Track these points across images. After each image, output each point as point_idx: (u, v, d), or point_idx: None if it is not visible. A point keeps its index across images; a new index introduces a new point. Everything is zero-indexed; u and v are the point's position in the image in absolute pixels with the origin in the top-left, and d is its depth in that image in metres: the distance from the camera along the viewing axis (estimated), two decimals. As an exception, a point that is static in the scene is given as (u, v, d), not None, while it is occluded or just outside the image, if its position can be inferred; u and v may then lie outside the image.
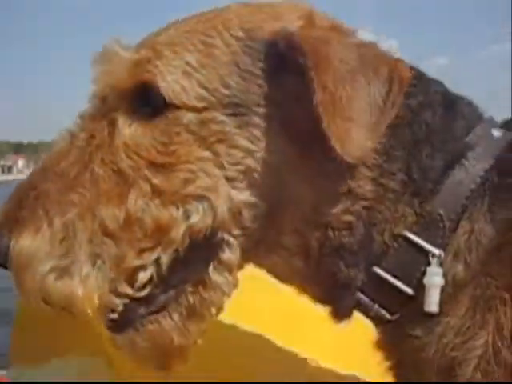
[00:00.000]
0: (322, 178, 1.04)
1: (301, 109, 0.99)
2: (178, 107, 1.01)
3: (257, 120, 1.01)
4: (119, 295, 1.01)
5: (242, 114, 1.01)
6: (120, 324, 1.05)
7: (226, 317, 1.18)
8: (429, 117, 1.08)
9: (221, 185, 1.00)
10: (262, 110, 1.01)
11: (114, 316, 1.04)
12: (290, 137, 1.02)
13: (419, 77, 1.13)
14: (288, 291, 1.17)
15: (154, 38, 1.07)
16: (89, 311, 1.02)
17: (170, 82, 1.00)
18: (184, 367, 1.09)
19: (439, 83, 1.17)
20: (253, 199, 1.02)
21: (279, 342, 1.56)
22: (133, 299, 1.02)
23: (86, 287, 0.97)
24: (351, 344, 1.46)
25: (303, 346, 1.56)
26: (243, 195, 1.01)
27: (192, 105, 1.00)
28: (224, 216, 1.01)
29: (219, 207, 1.00)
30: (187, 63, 1.02)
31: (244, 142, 1.01)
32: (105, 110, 1.06)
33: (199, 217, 1.00)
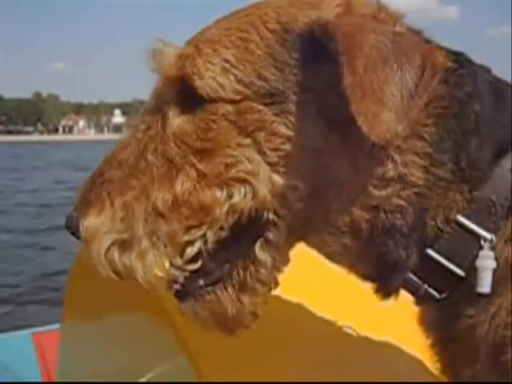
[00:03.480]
0: (367, 162, 1.03)
1: (337, 95, 0.98)
2: (216, 101, 1.04)
3: (294, 107, 1.01)
4: (176, 268, 1.10)
5: (279, 103, 1.02)
6: (182, 294, 1.14)
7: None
8: (477, 107, 1.06)
9: (262, 169, 1.03)
10: (298, 98, 1.01)
11: (177, 287, 1.13)
12: (329, 122, 1.01)
13: (466, 65, 1.09)
14: (335, 269, 1.18)
15: (197, 36, 1.10)
16: (152, 280, 1.08)
17: (208, 80, 1.03)
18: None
19: (487, 70, 1.13)
20: (294, 182, 1.03)
21: (320, 313, 1.57)
22: (192, 272, 1.10)
23: (146, 259, 1.06)
24: (395, 321, 1.45)
25: (344, 318, 1.56)
26: (284, 179, 1.03)
27: (229, 98, 1.03)
28: (266, 198, 1.03)
29: (260, 190, 1.03)
30: (225, 60, 1.04)
31: (282, 129, 1.02)
32: (159, 103, 1.12)
33: (241, 198, 1.04)
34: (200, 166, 1.05)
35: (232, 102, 1.03)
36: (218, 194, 1.04)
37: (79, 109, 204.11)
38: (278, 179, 1.03)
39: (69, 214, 1.12)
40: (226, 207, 1.04)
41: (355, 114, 0.92)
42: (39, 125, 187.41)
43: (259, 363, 1.48)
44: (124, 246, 1.06)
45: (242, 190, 1.04)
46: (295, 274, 1.46)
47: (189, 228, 1.06)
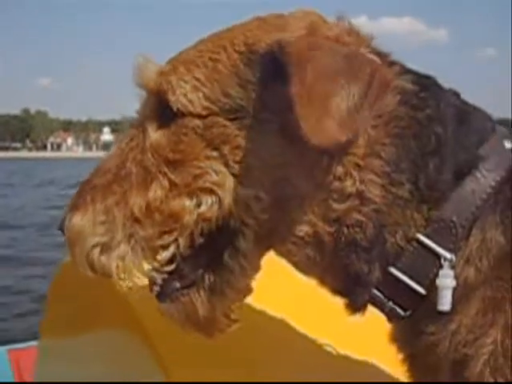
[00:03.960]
0: (325, 177, 1.08)
1: (294, 113, 1.03)
2: (186, 115, 1.12)
3: (255, 123, 1.08)
4: (154, 270, 1.17)
5: (241, 118, 1.09)
6: (161, 295, 1.20)
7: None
8: (439, 130, 1.09)
9: (227, 180, 1.09)
10: (259, 115, 1.08)
11: (156, 288, 1.20)
12: (288, 138, 1.06)
13: (431, 88, 1.13)
14: (307, 281, 1.22)
15: (176, 56, 1.19)
16: (129, 281, 1.16)
17: (179, 96, 1.12)
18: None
19: (454, 94, 1.16)
20: (257, 193, 1.09)
21: (298, 328, 1.59)
22: (170, 274, 1.18)
23: (124, 261, 1.13)
24: (367, 336, 1.48)
25: (320, 334, 1.58)
26: (247, 190, 1.09)
27: (197, 113, 1.11)
28: (230, 207, 1.10)
29: (225, 199, 1.10)
30: (196, 78, 1.12)
31: (244, 143, 1.09)
32: (142, 117, 1.21)
33: (208, 207, 1.11)
34: (171, 176, 1.12)
35: (200, 116, 1.11)
36: (187, 202, 1.11)
37: (68, 126, 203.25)
38: (242, 190, 1.09)
39: (62, 217, 1.21)
40: (194, 215, 1.11)
41: (298, 117, 0.97)
42: (27, 141, 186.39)
43: (236, 375, 1.51)
44: (105, 248, 1.14)
45: (209, 199, 1.11)
46: (276, 288, 1.50)
47: (161, 233, 1.13)
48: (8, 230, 15.67)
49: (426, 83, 1.13)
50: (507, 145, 1.13)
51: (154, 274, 1.18)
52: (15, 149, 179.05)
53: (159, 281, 1.19)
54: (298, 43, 1.04)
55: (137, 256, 1.14)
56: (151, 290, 1.20)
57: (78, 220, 1.16)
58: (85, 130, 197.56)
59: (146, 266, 1.17)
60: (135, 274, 1.15)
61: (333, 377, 1.55)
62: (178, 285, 1.19)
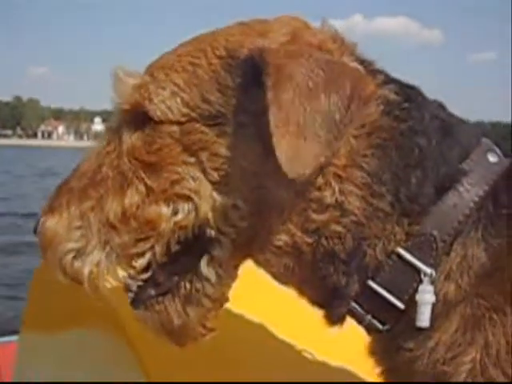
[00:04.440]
0: (304, 187, 1.05)
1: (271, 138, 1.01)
2: (164, 122, 1.09)
3: (234, 130, 1.06)
4: (129, 277, 1.16)
5: (220, 124, 1.06)
6: (135, 302, 1.18)
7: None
8: (422, 142, 1.06)
9: (204, 187, 1.07)
10: (238, 121, 1.05)
11: (131, 294, 1.18)
12: (266, 145, 1.02)
13: (416, 100, 1.10)
14: (286, 291, 1.19)
15: (154, 63, 1.16)
16: (102, 288, 1.13)
17: (157, 103, 1.09)
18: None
19: (439, 106, 1.14)
20: (235, 201, 1.07)
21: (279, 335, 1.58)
22: (144, 281, 1.15)
23: (98, 268, 1.11)
24: (346, 347, 1.47)
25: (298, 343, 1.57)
26: (225, 197, 1.06)
27: (176, 120, 1.08)
28: (207, 215, 1.07)
29: (202, 207, 1.07)
30: (175, 84, 1.09)
31: (223, 150, 1.06)
32: (118, 123, 1.18)
33: (184, 215, 1.08)
34: (148, 181, 1.09)
35: (178, 123, 1.08)
36: (164, 210, 1.08)
37: (59, 114, 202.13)
38: (219, 198, 1.07)
39: (37, 219, 1.18)
40: (171, 223, 1.09)
41: (275, 149, 0.95)
42: (18, 129, 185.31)
43: (215, 377, 1.50)
44: (79, 253, 1.11)
45: (186, 207, 1.08)
46: (257, 294, 1.48)
47: (137, 241, 1.10)
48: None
49: (410, 94, 1.11)
50: (491, 158, 1.10)
51: (129, 280, 1.16)
52: (5, 136, 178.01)
53: (134, 288, 1.17)
54: (277, 53, 1.01)
55: (111, 263, 1.11)
56: (125, 295, 1.18)
57: (52, 224, 1.13)
58: (76, 119, 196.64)
59: (121, 273, 1.15)
60: (109, 280, 1.13)
61: (310, 381, 1.54)
62: (152, 292, 1.16)
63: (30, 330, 1.90)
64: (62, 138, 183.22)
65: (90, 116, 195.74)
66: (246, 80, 1.06)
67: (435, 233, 1.05)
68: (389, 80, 1.10)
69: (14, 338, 3.03)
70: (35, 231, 1.17)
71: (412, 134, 1.07)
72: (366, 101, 0.98)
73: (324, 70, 0.98)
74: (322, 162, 0.96)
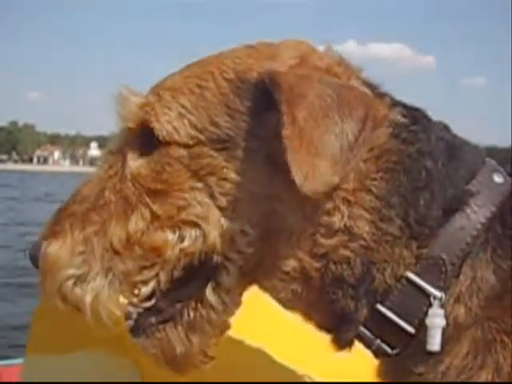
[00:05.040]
0: (313, 211, 1.04)
1: (282, 144, 1.00)
2: (170, 144, 1.07)
3: (243, 154, 1.04)
4: (131, 304, 1.12)
5: (229, 149, 1.05)
6: (135, 330, 1.15)
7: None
8: (429, 164, 1.06)
9: (212, 213, 1.05)
10: (248, 145, 1.04)
11: (131, 323, 1.14)
12: (276, 169, 1.02)
13: (421, 121, 1.10)
14: (291, 316, 1.17)
15: (160, 83, 1.14)
16: (104, 316, 1.09)
17: (164, 123, 1.07)
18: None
19: (444, 127, 1.14)
20: (243, 227, 1.05)
21: (279, 360, 1.56)
22: (145, 309, 1.12)
23: (99, 296, 1.08)
24: (353, 371, 1.46)
25: (303, 368, 1.55)
26: (233, 223, 1.04)
27: (183, 142, 1.06)
28: (215, 242, 1.05)
29: (210, 233, 1.05)
30: (182, 105, 1.07)
31: (232, 174, 1.04)
32: (121, 145, 1.15)
33: (191, 241, 1.06)
34: (153, 207, 1.07)
35: (186, 146, 1.06)
36: (170, 236, 1.06)
37: (55, 140, 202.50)
38: (228, 223, 1.05)
39: (33, 244, 1.14)
40: (177, 250, 1.06)
41: (290, 164, 0.94)
42: (14, 153, 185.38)
43: None
44: (80, 280, 1.08)
45: (193, 233, 1.06)
46: (259, 318, 1.47)
47: (142, 268, 1.08)
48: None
49: (416, 116, 1.10)
50: (497, 179, 1.10)
51: (130, 308, 1.13)
52: (1, 160, 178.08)
53: (134, 315, 1.14)
54: (288, 75, 1.01)
55: (114, 290, 1.08)
56: (124, 323, 1.14)
57: (55, 249, 1.10)
58: (72, 144, 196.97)
59: (123, 301, 1.12)
60: (111, 309, 1.09)
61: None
62: (153, 320, 1.13)
63: (35, 352, 1.88)
64: (58, 162, 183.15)
65: (86, 141, 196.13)
66: (255, 104, 1.05)
67: (444, 255, 1.04)
68: (395, 103, 1.10)
69: (17, 360, 3.01)
70: (32, 256, 1.13)
71: (419, 157, 1.06)
72: (379, 124, 0.98)
73: (336, 93, 0.98)
74: (336, 182, 0.95)
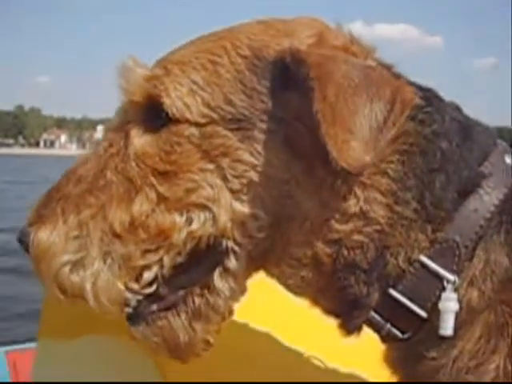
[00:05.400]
0: (329, 195, 1.01)
1: (303, 125, 0.98)
2: (180, 122, 1.01)
3: (260, 135, 1.00)
4: (129, 291, 1.06)
5: (245, 129, 1.00)
6: (134, 317, 1.10)
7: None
8: (444, 146, 1.03)
9: (223, 196, 1.00)
10: (264, 126, 1.00)
11: (129, 310, 1.09)
12: (293, 152, 0.99)
13: (435, 103, 1.08)
14: (296, 301, 1.16)
15: (167, 57, 1.08)
16: (105, 302, 1.05)
17: (175, 99, 1.01)
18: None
19: (456, 108, 1.11)
20: (256, 211, 1.01)
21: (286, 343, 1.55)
22: (145, 296, 1.07)
23: (97, 281, 1.02)
24: (360, 356, 1.44)
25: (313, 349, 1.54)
26: (246, 207, 1.00)
27: (195, 121, 1.01)
28: (226, 225, 1.01)
29: (220, 217, 1.00)
30: (193, 81, 1.02)
31: (247, 156, 1.00)
32: (123, 122, 1.09)
33: (200, 224, 1.01)
34: (160, 189, 1.02)
35: (197, 124, 1.01)
36: (177, 218, 1.01)
37: (61, 123, 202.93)
38: (240, 207, 1.01)
39: (21, 229, 1.08)
40: (184, 233, 1.01)
41: (325, 137, 0.90)
42: (20, 138, 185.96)
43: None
44: (76, 266, 1.02)
45: (202, 216, 1.01)
46: (263, 302, 1.45)
47: (145, 252, 1.02)
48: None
49: (429, 96, 1.08)
50: (508, 160, 1.08)
51: (129, 295, 1.06)
52: (8, 145, 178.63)
53: (133, 302, 1.08)
54: (312, 54, 0.97)
55: (113, 275, 1.03)
56: (122, 310, 1.09)
57: (46, 234, 1.03)
58: (78, 127, 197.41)
59: (122, 287, 1.06)
60: (110, 294, 1.03)
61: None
62: (154, 307, 1.08)
63: (47, 336, 1.88)
64: (65, 146, 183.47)
65: (92, 124, 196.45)
66: (273, 83, 1.01)
67: (457, 238, 1.02)
68: (410, 83, 1.07)
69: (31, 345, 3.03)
70: (21, 241, 1.07)
71: (435, 138, 1.04)
72: (407, 107, 0.95)
73: (363, 74, 0.95)
74: (367, 161, 0.91)
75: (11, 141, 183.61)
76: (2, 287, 9.24)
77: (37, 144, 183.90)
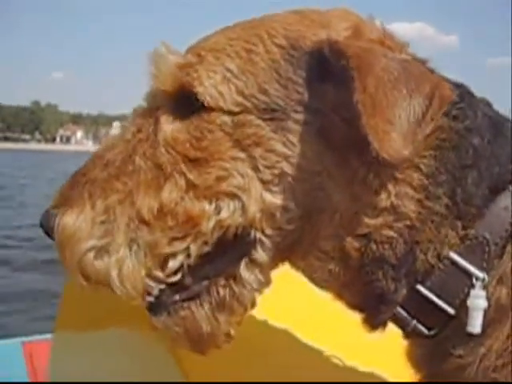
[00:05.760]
0: (361, 189, 1.00)
1: (339, 118, 0.97)
2: (214, 110, 1.00)
3: (294, 126, 0.99)
4: (153, 279, 1.03)
5: (278, 119, 0.99)
6: (156, 307, 1.08)
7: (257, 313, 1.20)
8: (476, 142, 1.03)
9: (253, 186, 0.99)
10: (299, 117, 0.99)
11: (151, 299, 1.07)
12: (327, 144, 0.98)
13: (467, 98, 1.07)
14: (320, 294, 1.15)
15: (200, 44, 1.07)
16: (127, 289, 1.03)
17: (208, 87, 1.00)
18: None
19: (487, 104, 1.11)
20: (286, 203, 1.00)
21: (306, 340, 1.54)
22: (168, 285, 1.05)
23: (122, 268, 1.01)
24: (382, 354, 1.43)
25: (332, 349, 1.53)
26: (276, 198, 1.00)
27: (228, 109, 1.00)
28: (255, 216, 1.00)
29: (250, 207, 0.99)
30: (227, 69, 1.01)
31: (279, 147, 0.99)
32: (153, 107, 1.08)
33: (229, 213, 1.00)
34: (190, 176, 1.00)
35: (230, 113, 1.00)
36: (207, 206, 1.00)
37: (78, 119, 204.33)
38: (270, 198, 1.00)
39: (45, 211, 1.06)
40: (213, 221, 1.00)
41: (366, 127, 0.89)
42: (37, 133, 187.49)
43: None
44: (101, 252, 1.01)
45: (232, 205, 1.00)
46: (284, 298, 1.45)
47: (172, 239, 1.01)
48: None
49: (461, 92, 1.07)
50: None
51: (152, 283, 1.04)
52: (24, 140, 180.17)
53: (155, 291, 1.05)
54: (351, 46, 0.96)
55: (138, 262, 1.01)
56: (143, 299, 1.06)
57: (71, 219, 1.02)
58: (95, 123, 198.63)
59: (145, 275, 1.04)
60: (134, 282, 1.02)
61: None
62: (177, 297, 1.06)
63: (64, 329, 1.88)
64: (81, 142, 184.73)
65: (108, 121, 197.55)
66: (311, 73, 1.00)
67: (487, 236, 1.01)
68: (443, 79, 1.06)
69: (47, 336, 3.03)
70: (44, 226, 1.05)
71: (467, 134, 1.03)
72: (445, 102, 0.95)
73: (402, 68, 0.94)
74: (406, 154, 0.91)
75: (28, 136, 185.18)
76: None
77: (53, 140, 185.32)
